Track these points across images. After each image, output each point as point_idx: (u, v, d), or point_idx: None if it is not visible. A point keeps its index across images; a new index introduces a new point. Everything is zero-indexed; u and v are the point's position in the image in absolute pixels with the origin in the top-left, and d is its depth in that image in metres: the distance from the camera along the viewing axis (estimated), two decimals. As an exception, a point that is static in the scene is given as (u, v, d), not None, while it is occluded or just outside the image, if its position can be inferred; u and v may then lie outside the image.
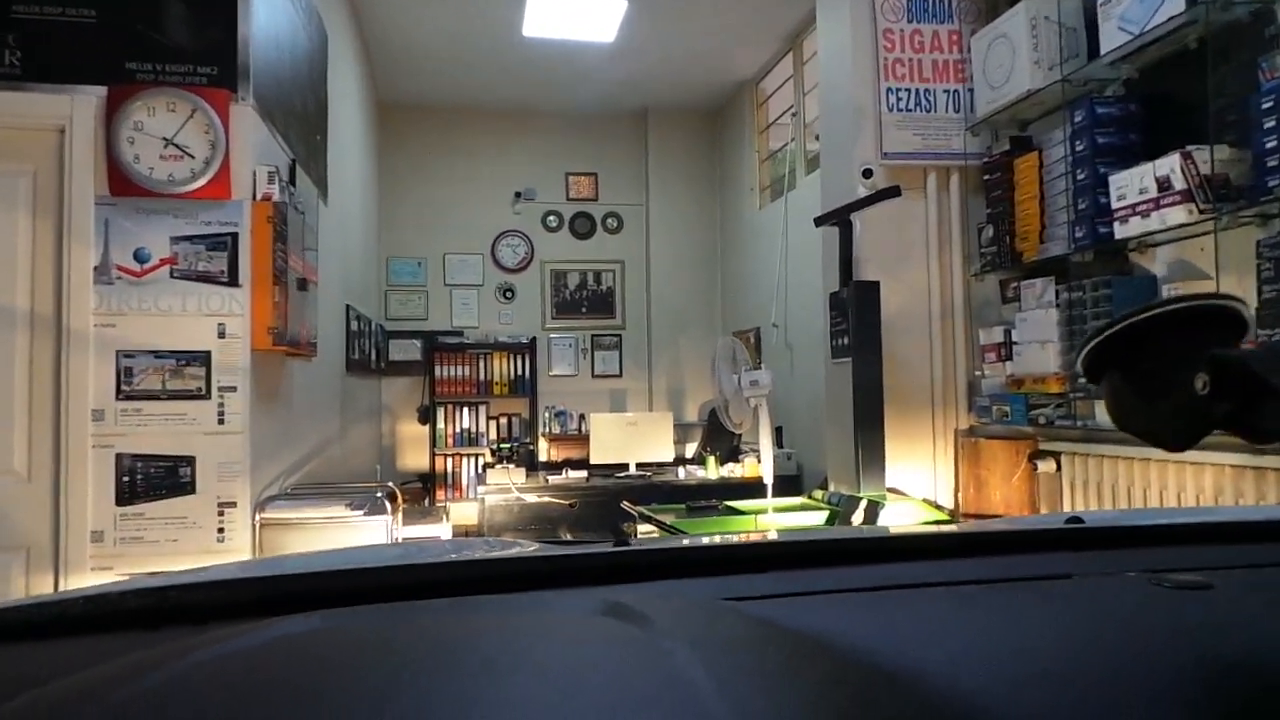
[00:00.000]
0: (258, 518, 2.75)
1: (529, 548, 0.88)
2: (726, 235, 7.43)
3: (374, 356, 6.24)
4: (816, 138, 6.29)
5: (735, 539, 0.93)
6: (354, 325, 5.18)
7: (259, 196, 2.77)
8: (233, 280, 2.71)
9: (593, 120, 7.41)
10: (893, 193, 3.16)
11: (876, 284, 3.33)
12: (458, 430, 6.96)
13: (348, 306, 4.96)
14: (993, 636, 0.52)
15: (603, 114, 7.38)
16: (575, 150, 7.43)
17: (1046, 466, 3.09)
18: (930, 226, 3.61)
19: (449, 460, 6.97)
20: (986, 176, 3.44)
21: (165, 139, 2.64)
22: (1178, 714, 0.41)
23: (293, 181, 3.30)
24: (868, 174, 3.53)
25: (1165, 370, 0.50)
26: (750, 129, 6.88)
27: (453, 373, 6.88)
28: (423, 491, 6.77)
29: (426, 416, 6.88)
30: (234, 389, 2.70)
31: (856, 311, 3.32)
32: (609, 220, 7.50)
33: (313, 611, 0.53)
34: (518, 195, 7.24)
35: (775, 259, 6.10)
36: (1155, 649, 0.49)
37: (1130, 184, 2.59)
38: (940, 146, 3.59)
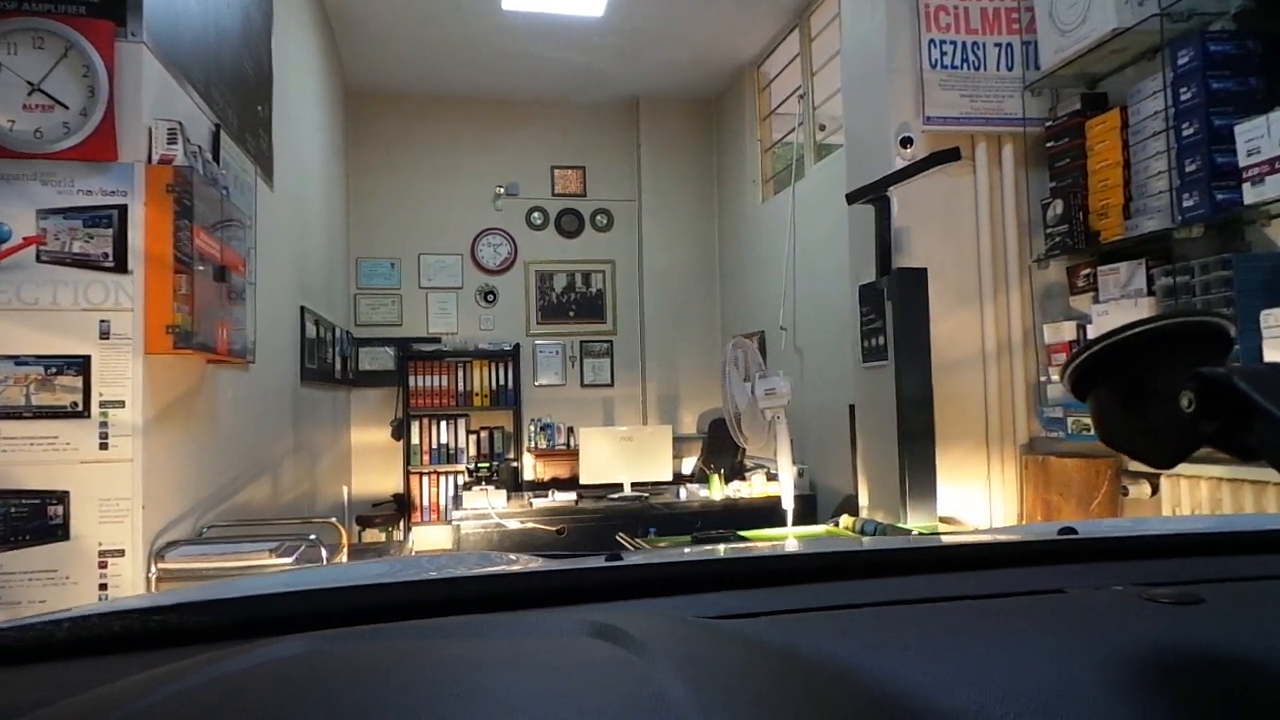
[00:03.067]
0: (154, 569, 2.15)
1: (521, 561, 0.91)
2: (726, 232, 6.86)
3: (340, 366, 5.64)
4: (822, 127, 5.79)
5: (728, 554, 0.93)
6: (312, 330, 4.58)
7: (156, 159, 2.18)
8: (120, 265, 2.11)
9: (580, 109, 6.86)
10: (951, 155, 2.58)
11: (923, 271, 2.76)
12: (434, 445, 6.39)
13: (303, 309, 4.36)
14: (985, 656, 0.49)
15: (591, 102, 6.82)
16: (561, 142, 6.89)
17: (1139, 490, 2.52)
18: (980, 204, 3.05)
19: (424, 479, 6.37)
20: (1050, 144, 2.88)
21: (30, 84, 2.05)
22: None
23: (215, 151, 2.71)
24: (907, 143, 2.97)
25: (1152, 388, 0.50)
26: (751, 116, 6.34)
27: (429, 383, 6.33)
28: (396, 514, 6.17)
29: (400, 431, 6.30)
30: (121, 404, 2.10)
31: (899, 306, 2.75)
32: (598, 217, 6.94)
33: (292, 635, 0.51)
34: (499, 190, 6.69)
35: (781, 256, 5.54)
36: (1148, 665, 0.48)
37: (1268, 133, 2.03)
38: (991, 110, 3.03)
